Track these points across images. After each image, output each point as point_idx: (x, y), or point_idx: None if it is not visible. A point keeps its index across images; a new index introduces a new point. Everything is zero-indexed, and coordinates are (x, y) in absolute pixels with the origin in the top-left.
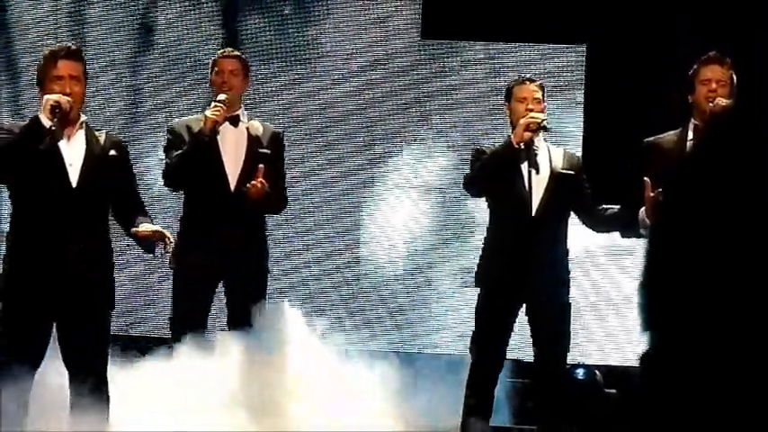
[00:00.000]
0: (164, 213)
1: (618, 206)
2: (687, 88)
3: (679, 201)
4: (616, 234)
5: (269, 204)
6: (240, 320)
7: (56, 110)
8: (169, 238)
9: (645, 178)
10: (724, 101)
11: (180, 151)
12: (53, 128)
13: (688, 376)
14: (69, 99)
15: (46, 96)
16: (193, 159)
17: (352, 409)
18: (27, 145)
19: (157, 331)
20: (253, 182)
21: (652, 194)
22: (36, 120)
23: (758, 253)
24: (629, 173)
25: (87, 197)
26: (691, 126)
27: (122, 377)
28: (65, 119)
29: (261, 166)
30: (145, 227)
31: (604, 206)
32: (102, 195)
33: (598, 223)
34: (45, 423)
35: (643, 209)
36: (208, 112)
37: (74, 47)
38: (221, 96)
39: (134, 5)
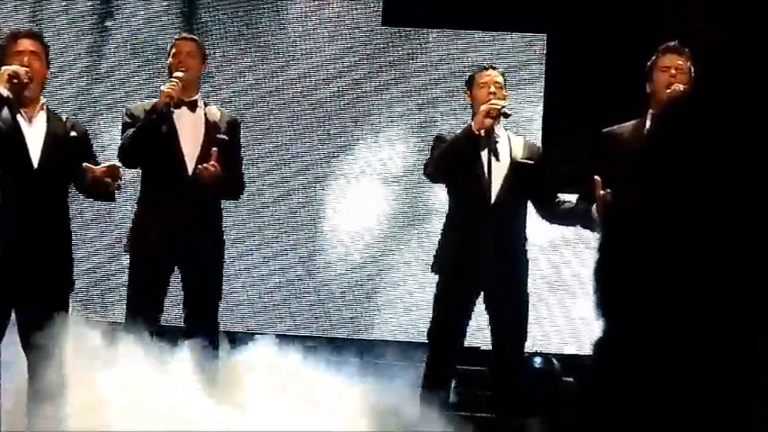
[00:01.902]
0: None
1: (574, 199)
2: (645, 78)
3: (633, 191)
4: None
5: (223, 188)
6: (195, 305)
7: (13, 79)
8: (120, 170)
9: (595, 177)
10: (682, 86)
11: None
12: (10, 98)
13: (639, 363)
14: (28, 70)
15: (3, 67)
16: (148, 134)
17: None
18: None
19: (117, 316)
20: (205, 164)
21: (601, 192)
22: None
23: (709, 241)
24: (588, 163)
25: (48, 178)
26: (649, 116)
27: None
28: (23, 89)
29: (214, 149)
30: (98, 168)
31: (561, 198)
32: (63, 177)
33: (554, 216)
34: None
35: (594, 205)
36: (163, 87)
37: (36, 29)
38: (177, 73)
39: None
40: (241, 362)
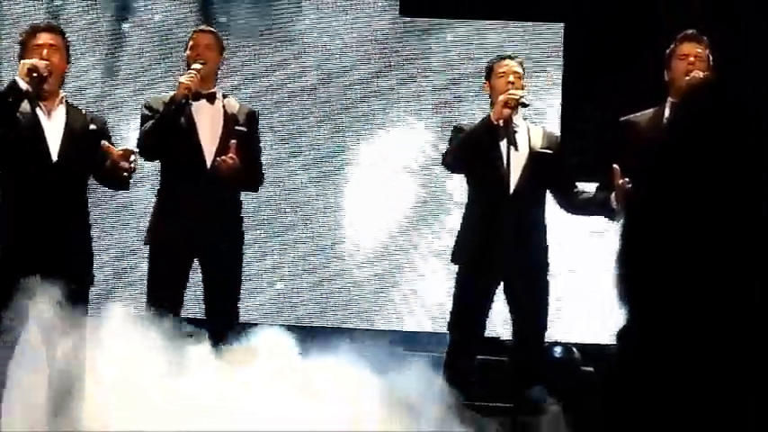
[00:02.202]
0: (143, 193)
1: (593, 189)
2: (664, 66)
3: (654, 180)
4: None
5: (242, 180)
6: (215, 298)
7: (32, 73)
8: (135, 154)
9: (614, 165)
10: (701, 73)
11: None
12: (30, 91)
13: (661, 353)
14: (47, 63)
15: (23, 61)
16: (167, 126)
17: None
18: (5, 108)
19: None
20: (223, 157)
21: (620, 181)
22: (14, 83)
23: (731, 231)
24: (607, 151)
25: (67, 171)
26: (667, 104)
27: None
28: (43, 83)
29: (233, 141)
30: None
31: (580, 188)
32: (82, 170)
33: (573, 205)
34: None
35: (613, 194)
36: (181, 78)
37: (55, 24)
38: (195, 65)
39: None
40: (257, 352)
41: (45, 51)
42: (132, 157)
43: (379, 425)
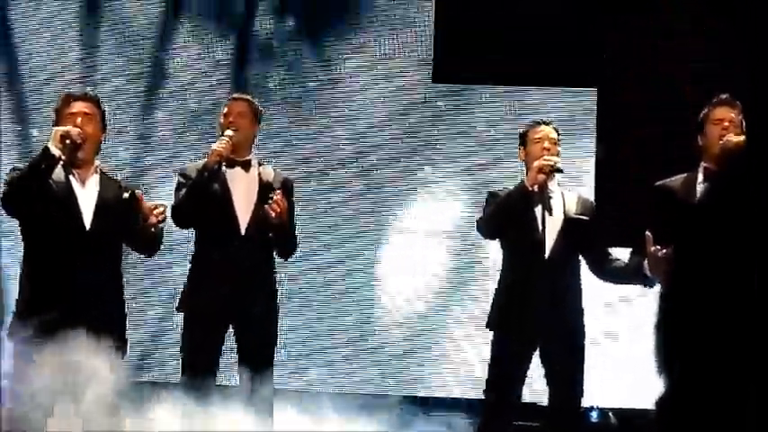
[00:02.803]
0: (176, 260)
1: (626, 255)
2: (697, 130)
3: (691, 249)
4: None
5: (283, 236)
6: (250, 365)
7: (65, 139)
8: (164, 206)
9: (646, 233)
10: (735, 137)
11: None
12: (62, 158)
13: (701, 421)
14: (80, 131)
15: (55, 128)
16: (200, 193)
17: None
18: (37, 175)
19: (168, 377)
20: (270, 202)
21: (652, 249)
22: (46, 149)
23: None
24: (641, 217)
25: (100, 240)
26: (701, 169)
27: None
28: (76, 150)
29: (278, 190)
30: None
31: (613, 256)
32: (116, 238)
33: (606, 272)
34: None
35: (646, 261)
36: (214, 145)
37: (91, 93)
38: (228, 132)
39: (145, 52)
40: (295, 419)
41: (79, 120)
42: (161, 209)
43: None
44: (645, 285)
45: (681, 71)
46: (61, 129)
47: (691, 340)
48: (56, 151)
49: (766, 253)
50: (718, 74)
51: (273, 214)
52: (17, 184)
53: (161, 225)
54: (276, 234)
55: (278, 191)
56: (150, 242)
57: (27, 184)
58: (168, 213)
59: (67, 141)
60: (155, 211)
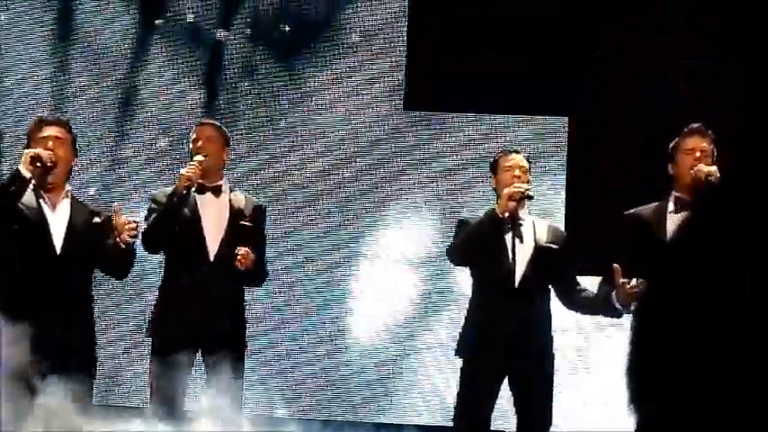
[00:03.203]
0: (146, 286)
1: (595, 284)
2: (668, 159)
3: (662, 280)
4: None
5: (252, 273)
6: (218, 390)
7: (36, 161)
8: (136, 223)
9: (614, 265)
10: (706, 167)
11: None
12: (33, 179)
13: None
14: (51, 154)
15: (26, 150)
16: (170, 218)
17: None
18: (7, 196)
19: (134, 401)
20: (239, 254)
21: (621, 281)
22: (17, 172)
23: (742, 331)
24: (611, 245)
25: (71, 264)
26: (672, 198)
27: None
28: (47, 173)
29: (243, 249)
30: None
31: (582, 286)
32: (86, 262)
33: (575, 303)
34: None
35: (614, 293)
36: (182, 170)
37: (63, 118)
38: (197, 157)
39: (118, 77)
40: None
41: (50, 143)
42: (133, 224)
43: None
44: (614, 316)
45: (674, 68)
46: (32, 151)
47: (662, 371)
48: (26, 173)
49: (738, 282)
50: (712, 71)
51: (241, 267)
52: None
53: (132, 240)
54: (245, 273)
55: (243, 249)
56: (122, 264)
57: None
58: (140, 230)
59: (38, 164)
60: (127, 227)
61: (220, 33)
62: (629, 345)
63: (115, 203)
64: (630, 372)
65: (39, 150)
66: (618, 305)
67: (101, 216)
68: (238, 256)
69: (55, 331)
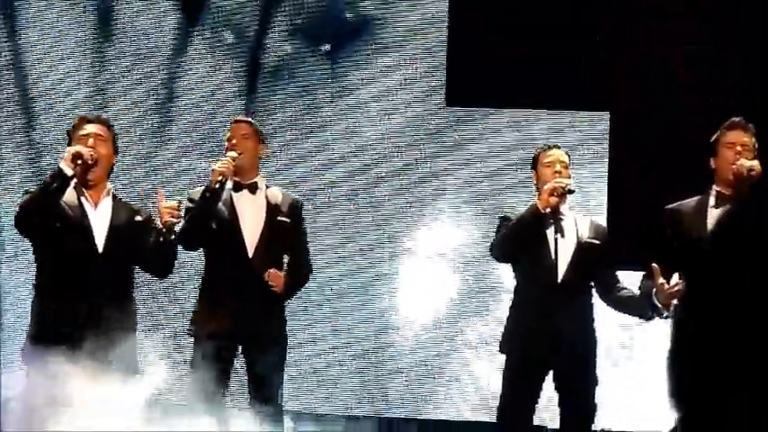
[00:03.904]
0: (182, 283)
1: (633, 288)
2: (709, 153)
3: (703, 275)
4: None
5: (295, 283)
6: (260, 386)
7: (77, 159)
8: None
9: (653, 264)
10: (748, 162)
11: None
12: (75, 177)
13: None
14: (92, 152)
15: (68, 148)
16: (204, 214)
17: None
18: (50, 194)
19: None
20: (271, 278)
21: (660, 281)
22: (59, 169)
23: None
24: (652, 241)
25: (113, 263)
26: (713, 192)
27: None
28: (87, 171)
29: (269, 271)
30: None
31: (623, 284)
32: (128, 261)
33: (614, 301)
34: None
35: (654, 292)
36: (214, 165)
37: (104, 117)
38: (231, 153)
39: (155, 75)
40: None
41: (91, 140)
42: (175, 204)
43: None
44: (654, 314)
45: (674, 53)
46: (73, 148)
47: (704, 368)
48: (68, 171)
49: None
50: (712, 56)
51: (277, 290)
52: (30, 204)
53: (173, 221)
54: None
55: (270, 272)
56: (163, 262)
57: (40, 204)
58: (182, 212)
59: (79, 161)
60: (168, 208)
61: (261, 31)
62: (671, 340)
63: (159, 189)
64: (671, 366)
65: (80, 148)
66: (658, 304)
67: (142, 214)
68: (269, 282)
69: (97, 330)
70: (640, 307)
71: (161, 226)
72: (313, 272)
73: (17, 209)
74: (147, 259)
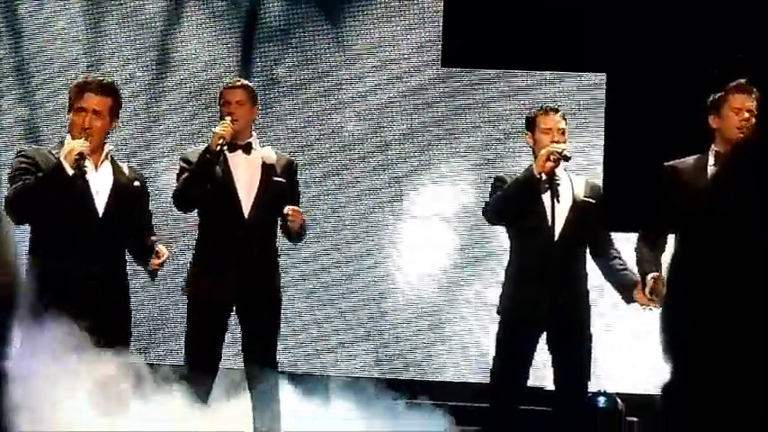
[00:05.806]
0: (183, 244)
1: (624, 261)
2: (711, 112)
3: (699, 234)
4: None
5: (297, 233)
6: (254, 348)
7: (79, 161)
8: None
9: (648, 276)
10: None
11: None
12: (76, 175)
13: (709, 405)
14: (89, 144)
15: (70, 146)
16: (203, 175)
17: None
18: (50, 192)
19: (172, 358)
20: (288, 217)
21: (650, 285)
22: (60, 167)
23: None
24: (649, 199)
25: (112, 226)
26: (712, 152)
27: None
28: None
29: (287, 208)
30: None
31: (615, 252)
32: (125, 225)
33: (604, 268)
34: None
35: (636, 291)
36: (215, 128)
37: (106, 81)
38: (228, 119)
39: (152, 36)
40: (299, 404)
41: (87, 118)
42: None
43: None
44: (625, 301)
45: (684, 36)
46: (75, 150)
47: (698, 327)
48: (69, 170)
49: None
50: (710, 14)
51: (295, 226)
52: (29, 197)
53: (156, 269)
54: (295, 231)
55: (290, 208)
56: (143, 259)
57: (39, 199)
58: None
59: (81, 162)
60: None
61: None
62: (666, 295)
63: (158, 247)
64: (665, 327)
65: (80, 148)
66: (634, 301)
67: (139, 180)
68: (288, 216)
69: (93, 291)
70: (623, 290)
71: (151, 267)
72: (306, 234)
73: (11, 196)
74: (135, 236)
